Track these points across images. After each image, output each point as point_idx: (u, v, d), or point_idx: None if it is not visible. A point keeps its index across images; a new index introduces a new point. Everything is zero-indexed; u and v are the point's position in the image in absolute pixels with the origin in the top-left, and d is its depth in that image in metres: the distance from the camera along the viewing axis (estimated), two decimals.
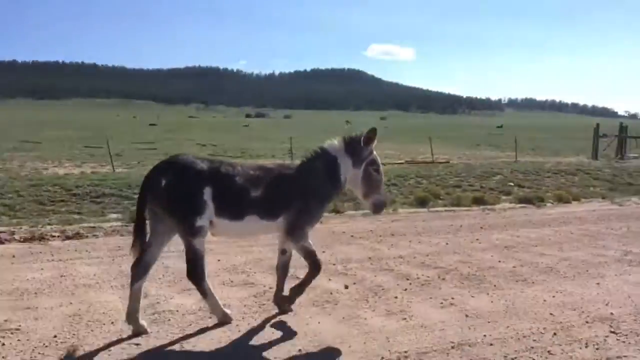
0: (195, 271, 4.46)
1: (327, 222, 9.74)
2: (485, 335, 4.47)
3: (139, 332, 4.41)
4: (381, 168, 4.94)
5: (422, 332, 4.55)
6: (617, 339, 4.38)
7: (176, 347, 4.24)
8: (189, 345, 4.27)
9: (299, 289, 4.88)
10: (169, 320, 4.78)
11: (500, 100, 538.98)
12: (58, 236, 8.17)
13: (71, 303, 5.17)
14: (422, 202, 12.00)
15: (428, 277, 6.21)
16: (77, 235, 8.25)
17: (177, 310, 5.02)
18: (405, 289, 5.75)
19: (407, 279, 6.11)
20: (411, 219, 10.25)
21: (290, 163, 5.77)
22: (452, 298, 5.44)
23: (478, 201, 12.26)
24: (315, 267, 4.79)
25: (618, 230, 9.16)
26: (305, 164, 4.87)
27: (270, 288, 5.67)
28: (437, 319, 4.85)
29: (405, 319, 4.89)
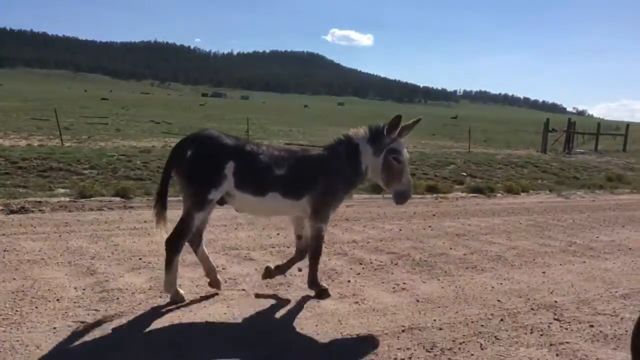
0: (176, 241, 4.52)
1: None
2: (435, 320, 4.55)
3: (214, 284, 4.92)
4: (404, 157, 4.77)
5: (374, 316, 4.59)
6: (560, 326, 4.54)
7: (125, 325, 4.13)
8: (137, 324, 4.16)
9: (312, 276, 4.99)
10: (118, 299, 4.65)
11: (455, 91, 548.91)
12: (2, 210, 7.82)
13: (14, 279, 4.96)
14: (377, 189, 12.09)
15: (381, 262, 6.27)
16: (22, 210, 7.92)
17: (127, 289, 4.89)
18: (359, 273, 5.79)
19: (361, 264, 6.15)
20: (366, 205, 10.32)
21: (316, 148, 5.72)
22: (404, 283, 5.51)
23: (431, 189, 12.47)
24: (315, 252, 4.94)
25: (563, 222, 9.49)
26: (329, 149, 4.96)
27: (224, 269, 5.61)
28: (389, 303, 4.90)
29: (357, 302, 4.91)
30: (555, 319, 4.68)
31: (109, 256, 5.81)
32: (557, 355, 3.99)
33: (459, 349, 4.02)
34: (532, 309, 4.93)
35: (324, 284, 5.10)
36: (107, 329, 4.04)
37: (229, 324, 4.31)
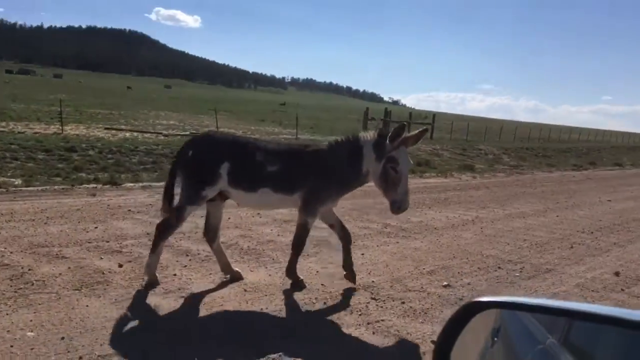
0: (166, 228, 4.91)
1: (102, 195, 9.05)
2: (262, 308, 4.60)
3: (235, 277, 5.26)
4: (401, 167, 4.69)
5: (201, 309, 4.49)
6: (377, 305, 4.89)
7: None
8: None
9: (291, 265, 5.22)
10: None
11: (284, 78, 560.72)
12: None
13: None
14: None
15: (208, 252, 6.14)
16: None
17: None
18: (185, 266, 5.62)
19: (187, 255, 5.98)
20: None
21: (320, 143, 5.63)
22: None
23: None
24: (298, 243, 5.15)
25: (381, 205, 10.22)
26: (332, 146, 5.03)
27: (30, 270, 5.03)
28: (216, 295, 4.84)
29: (183, 296, 4.77)
30: (372, 299, 5.03)
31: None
32: (373, 333, 4.29)
33: (287, 335, 4.11)
34: (353, 290, 5.23)
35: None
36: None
37: (37, 330, 3.87)
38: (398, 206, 4.74)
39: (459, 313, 1.38)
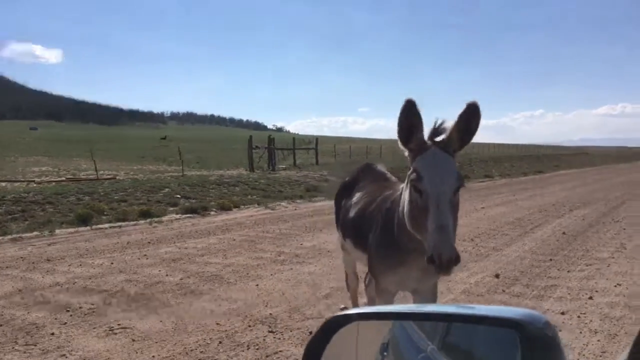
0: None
1: None
2: (153, 356, 4.31)
3: None
4: (428, 183, 2.50)
5: None
6: (274, 337, 4.77)
7: None
8: None
9: None
10: None
11: (163, 113, 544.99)
12: None
13: None
14: (84, 220, 11.12)
15: (92, 304, 5.70)
16: None
17: None
18: (65, 323, 5.13)
19: (68, 310, 5.48)
20: (72, 240, 9.37)
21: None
22: (119, 323, 5.09)
23: (145, 214, 12.06)
24: None
25: (272, 233, 10.19)
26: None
27: None
28: (101, 349, 4.46)
29: (64, 355, 4.35)
30: (269, 332, 4.90)
31: None
32: None
33: None
34: (249, 325, 5.07)
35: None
36: None
37: None
38: (431, 254, 2.36)
39: (317, 335, 1.35)
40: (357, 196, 3.82)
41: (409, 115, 2.56)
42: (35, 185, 17.50)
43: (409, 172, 2.63)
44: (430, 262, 2.36)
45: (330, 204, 14.76)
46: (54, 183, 17.90)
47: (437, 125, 2.60)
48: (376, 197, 3.43)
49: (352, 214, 3.71)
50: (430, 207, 2.45)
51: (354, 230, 3.67)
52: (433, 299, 3.30)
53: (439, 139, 2.60)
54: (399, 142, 2.67)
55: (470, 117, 2.55)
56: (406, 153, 2.69)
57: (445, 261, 2.32)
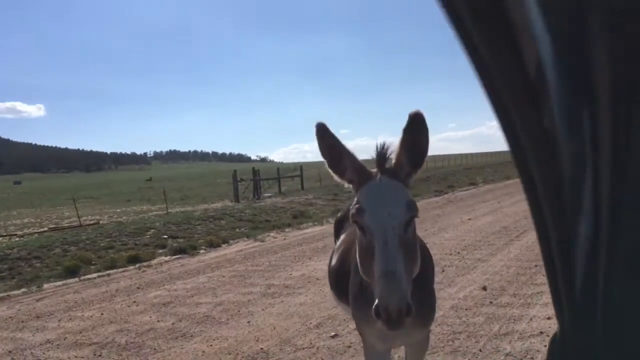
0: None
1: None
2: None
3: None
4: (369, 218, 2.13)
5: None
6: None
7: None
8: None
9: None
10: None
11: (146, 154, 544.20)
12: None
13: None
14: (72, 272, 11.01)
15: (82, 358, 5.67)
16: None
17: None
18: None
19: None
20: (60, 294, 9.27)
21: None
22: None
23: (133, 260, 11.95)
24: None
25: (261, 266, 10.19)
26: None
27: None
28: None
29: None
30: None
31: None
32: None
33: None
34: None
35: None
36: None
37: None
38: (375, 306, 1.95)
39: None
40: (341, 238, 3.43)
41: (324, 137, 2.28)
42: (18, 239, 17.30)
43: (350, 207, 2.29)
44: (377, 316, 1.94)
45: (319, 229, 14.75)
46: (36, 235, 17.72)
47: (380, 149, 2.23)
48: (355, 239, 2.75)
49: (333, 260, 3.32)
50: (375, 246, 2.04)
51: (335, 280, 3.25)
52: (420, 356, 3.08)
53: (387, 165, 2.24)
54: (332, 173, 2.35)
55: (416, 130, 2.13)
56: (346, 185, 2.35)
57: (395, 315, 1.90)
